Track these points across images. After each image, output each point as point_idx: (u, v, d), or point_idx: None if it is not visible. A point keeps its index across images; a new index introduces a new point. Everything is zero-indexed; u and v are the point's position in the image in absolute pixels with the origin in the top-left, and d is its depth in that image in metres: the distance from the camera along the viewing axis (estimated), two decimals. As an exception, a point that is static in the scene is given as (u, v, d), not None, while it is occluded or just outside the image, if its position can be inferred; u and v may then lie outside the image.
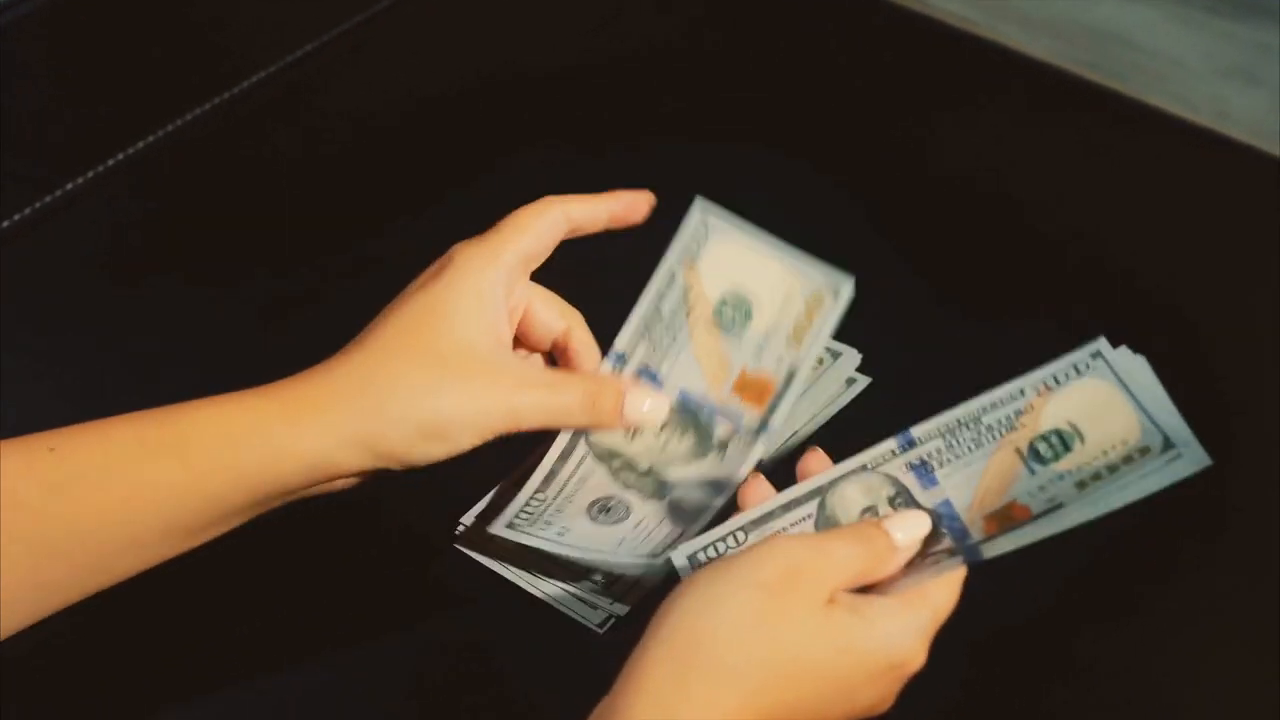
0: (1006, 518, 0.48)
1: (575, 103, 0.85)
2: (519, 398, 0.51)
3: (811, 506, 0.51)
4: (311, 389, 0.50)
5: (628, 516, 0.55)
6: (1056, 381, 0.50)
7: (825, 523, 0.51)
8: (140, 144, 0.81)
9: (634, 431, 0.55)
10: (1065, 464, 0.48)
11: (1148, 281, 0.74)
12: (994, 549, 0.48)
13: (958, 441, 0.50)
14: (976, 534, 0.49)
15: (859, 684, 0.45)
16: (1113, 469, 0.47)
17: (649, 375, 0.55)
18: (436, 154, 0.82)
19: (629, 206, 0.57)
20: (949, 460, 0.50)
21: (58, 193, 0.77)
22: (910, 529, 0.49)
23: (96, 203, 0.78)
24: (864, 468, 0.51)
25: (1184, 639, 0.59)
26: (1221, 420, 0.66)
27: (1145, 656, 0.59)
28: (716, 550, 0.50)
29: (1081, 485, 0.48)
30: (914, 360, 0.67)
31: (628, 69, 0.87)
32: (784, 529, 0.50)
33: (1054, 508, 0.47)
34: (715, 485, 0.54)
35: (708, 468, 0.54)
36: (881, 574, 0.48)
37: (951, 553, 0.48)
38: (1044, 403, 0.50)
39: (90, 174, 0.79)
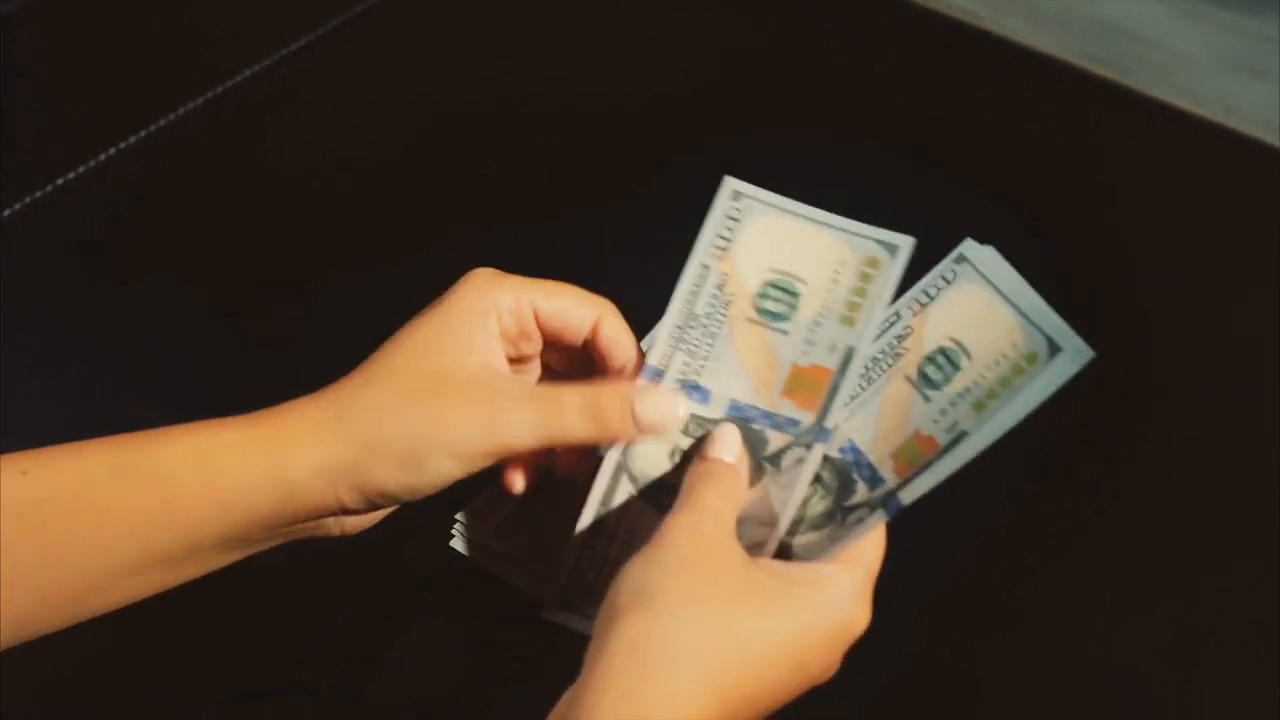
0: (915, 453, 0.47)
1: (578, 97, 0.84)
2: (501, 415, 0.48)
3: (625, 483, 0.50)
4: (292, 419, 0.49)
5: None
6: (929, 296, 0.49)
7: (650, 487, 0.50)
8: (133, 139, 0.80)
9: (675, 454, 0.50)
10: (958, 384, 0.47)
11: (1154, 275, 0.74)
12: (911, 494, 0.46)
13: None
14: (888, 476, 0.48)
15: (811, 653, 0.45)
16: (1005, 383, 0.46)
17: (692, 389, 0.50)
18: (434, 148, 0.81)
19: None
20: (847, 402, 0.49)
21: (49, 188, 0.77)
22: (726, 444, 0.49)
23: (89, 198, 0.77)
24: None
25: (1119, 590, 0.60)
26: (1225, 415, 0.67)
27: (1081, 605, 0.60)
28: (580, 582, 0.50)
29: (979, 406, 0.46)
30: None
31: (628, 61, 0.87)
32: (621, 518, 0.49)
33: (958, 437, 0.46)
34: (770, 515, 0.49)
35: (761, 492, 0.49)
36: (741, 494, 0.48)
37: (871, 506, 0.47)
38: (922, 322, 0.49)
39: (82, 169, 0.78)
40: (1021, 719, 0.57)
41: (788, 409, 0.49)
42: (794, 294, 0.50)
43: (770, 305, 0.50)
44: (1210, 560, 0.61)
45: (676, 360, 0.50)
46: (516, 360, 0.53)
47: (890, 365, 0.49)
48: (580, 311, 0.52)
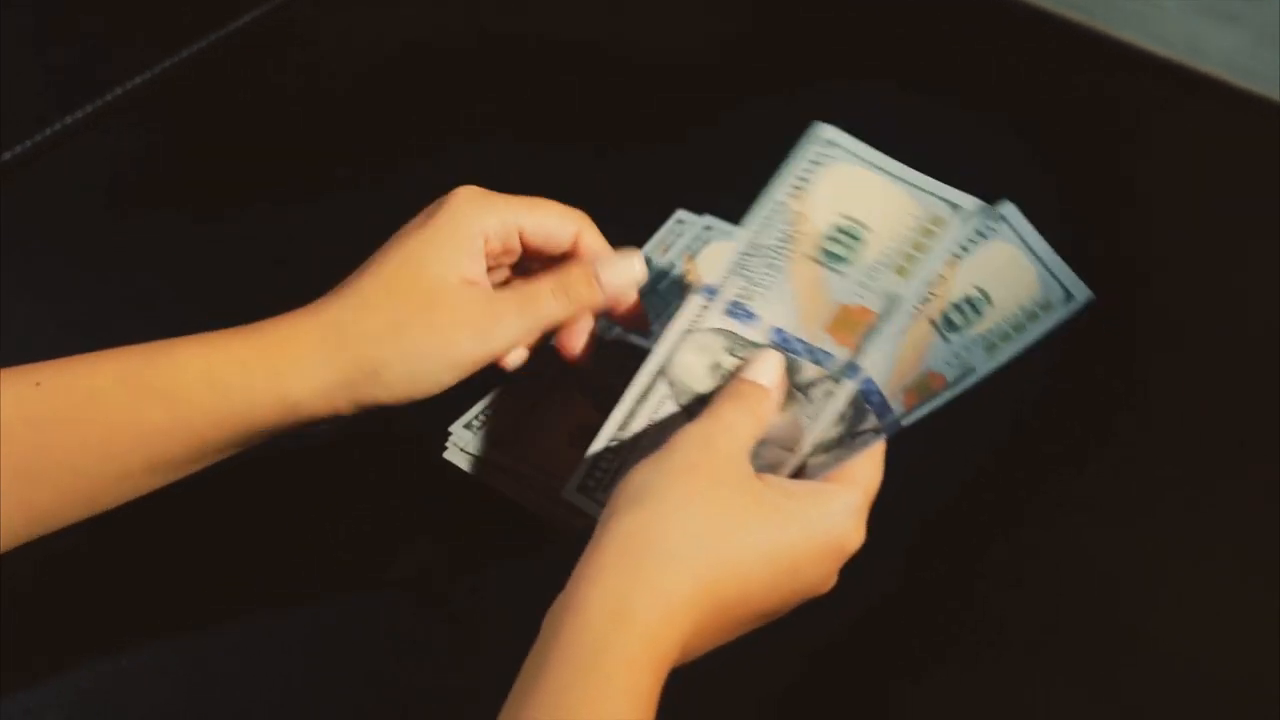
0: (925, 388, 0.50)
1: (586, 33, 0.86)
2: (490, 323, 0.52)
3: (663, 386, 0.52)
4: (292, 334, 0.51)
5: None
6: (964, 249, 0.51)
7: (683, 393, 0.52)
8: (139, 79, 0.81)
9: (716, 370, 0.53)
10: (977, 329, 0.50)
11: (1121, 216, 0.76)
12: (910, 416, 0.49)
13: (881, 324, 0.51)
14: (897, 408, 0.50)
15: (803, 563, 0.47)
16: (1018, 328, 0.49)
17: (742, 312, 0.53)
18: (436, 90, 0.82)
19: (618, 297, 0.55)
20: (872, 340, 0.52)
21: (57, 126, 0.78)
22: (764, 368, 0.51)
23: (95, 137, 0.78)
24: (689, 331, 0.52)
25: (1111, 511, 0.62)
26: (1183, 354, 0.69)
27: (1073, 529, 0.61)
28: (601, 469, 0.52)
29: (991, 348, 0.49)
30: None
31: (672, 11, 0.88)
32: (652, 416, 0.52)
33: (966, 374, 0.49)
34: (791, 439, 0.52)
35: (788, 417, 0.52)
36: (769, 417, 0.50)
37: (876, 432, 0.50)
38: (954, 272, 0.51)
39: (89, 108, 0.79)
40: (1013, 634, 0.58)
41: (827, 344, 0.52)
42: (857, 239, 0.52)
43: (834, 247, 0.52)
44: (1199, 482, 0.63)
45: (733, 283, 0.53)
46: (493, 269, 0.56)
47: (918, 309, 0.51)
48: (562, 226, 0.55)
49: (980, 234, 0.51)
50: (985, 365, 0.49)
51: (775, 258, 0.52)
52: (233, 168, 0.77)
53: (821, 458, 0.51)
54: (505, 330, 0.52)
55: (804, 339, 0.52)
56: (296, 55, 0.85)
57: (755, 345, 0.52)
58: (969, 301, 0.50)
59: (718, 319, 0.52)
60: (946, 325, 0.50)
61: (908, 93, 0.83)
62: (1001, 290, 0.50)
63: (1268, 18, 0.84)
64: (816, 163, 0.53)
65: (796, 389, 0.52)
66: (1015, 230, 0.50)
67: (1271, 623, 0.58)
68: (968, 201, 0.52)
